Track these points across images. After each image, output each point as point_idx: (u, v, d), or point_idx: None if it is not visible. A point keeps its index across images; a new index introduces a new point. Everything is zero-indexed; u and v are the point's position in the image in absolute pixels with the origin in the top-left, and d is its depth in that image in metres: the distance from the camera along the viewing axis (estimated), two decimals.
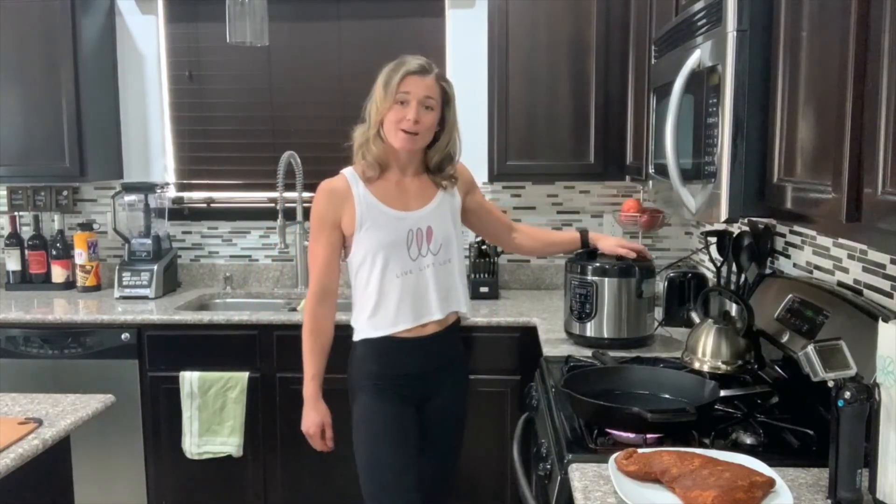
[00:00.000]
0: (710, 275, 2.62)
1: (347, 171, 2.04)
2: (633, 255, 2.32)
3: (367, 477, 2.03)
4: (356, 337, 2.06)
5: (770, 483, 1.30)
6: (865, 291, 1.74)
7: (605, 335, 2.38)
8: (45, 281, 3.45)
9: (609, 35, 2.94)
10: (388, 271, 1.98)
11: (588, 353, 2.26)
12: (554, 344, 2.46)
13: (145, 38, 3.45)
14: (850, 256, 1.82)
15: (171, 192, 3.51)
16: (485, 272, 3.17)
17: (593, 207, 3.40)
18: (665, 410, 1.61)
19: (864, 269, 1.75)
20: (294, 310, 3.19)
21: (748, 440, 1.58)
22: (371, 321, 2.02)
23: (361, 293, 2.04)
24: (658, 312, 2.54)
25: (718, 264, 2.44)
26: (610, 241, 2.37)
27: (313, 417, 2.07)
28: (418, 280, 2.02)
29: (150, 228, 3.38)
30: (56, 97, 3.15)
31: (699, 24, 1.60)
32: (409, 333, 2.01)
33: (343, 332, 2.09)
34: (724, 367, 1.94)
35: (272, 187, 3.32)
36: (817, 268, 2.00)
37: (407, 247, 2.00)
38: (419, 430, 2.06)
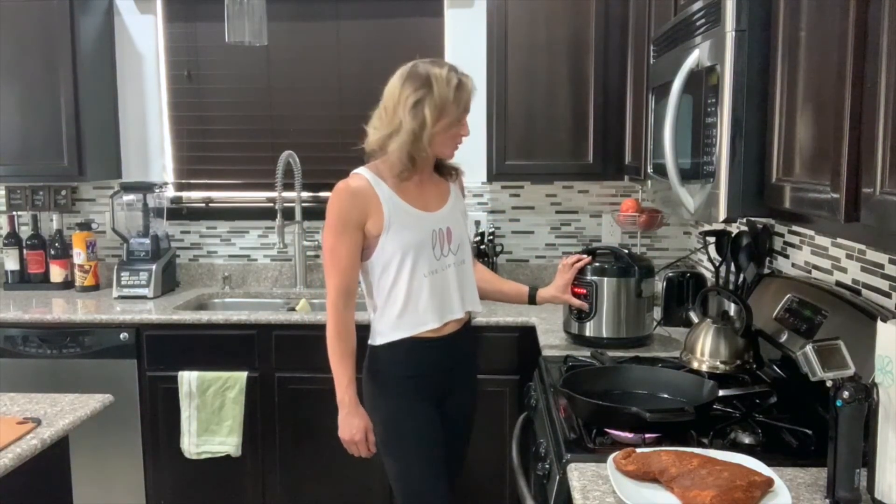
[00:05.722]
0: (708, 274, 2.62)
1: (364, 172, 1.99)
2: (574, 301, 2.36)
3: (403, 477, 2.02)
4: (379, 340, 2.02)
5: (768, 483, 1.30)
6: (864, 291, 1.74)
7: (604, 335, 2.38)
8: (43, 280, 3.45)
9: (608, 35, 2.94)
10: (416, 271, 1.97)
11: (587, 352, 2.27)
12: (553, 343, 2.46)
13: (144, 37, 3.45)
14: (849, 256, 1.82)
15: (170, 192, 3.51)
16: None
17: (592, 207, 3.40)
18: (664, 410, 1.61)
19: (863, 269, 1.75)
20: (293, 309, 3.19)
21: (747, 440, 1.59)
22: (398, 322, 1.99)
23: (386, 295, 2.00)
24: (657, 312, 2.54)
25: (717, 264, 2.44)
26: (551, 289, 2.38)
27: (358, 423, 2.00)
28: (443, 279, 2.02)
29: (148, 228, 3.38)
30: (55, 97, 3.15)
31: (698, 23, 1.60)
32: (434, 333, 2.01)
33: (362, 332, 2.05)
34: (722, 366, 1.94)
35: (271, 187, 3.32)
36: (816, 267, 2.00)
37: (432, 246, 2.00)
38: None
